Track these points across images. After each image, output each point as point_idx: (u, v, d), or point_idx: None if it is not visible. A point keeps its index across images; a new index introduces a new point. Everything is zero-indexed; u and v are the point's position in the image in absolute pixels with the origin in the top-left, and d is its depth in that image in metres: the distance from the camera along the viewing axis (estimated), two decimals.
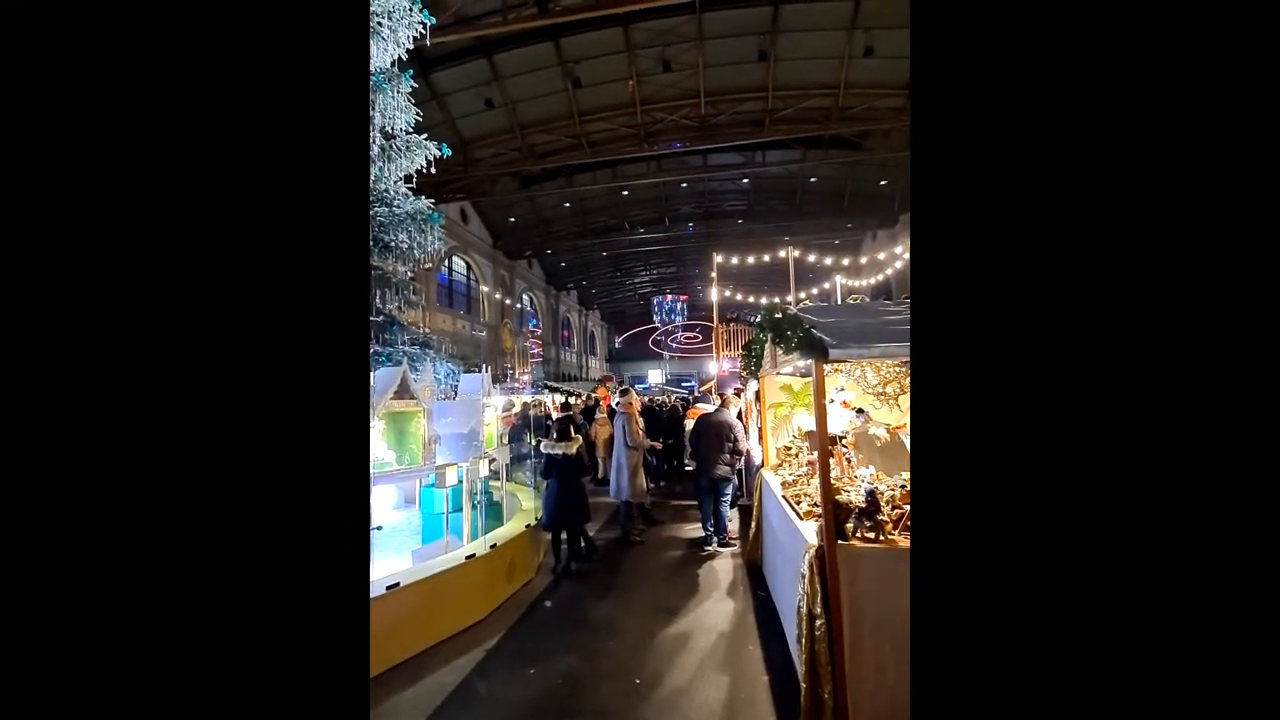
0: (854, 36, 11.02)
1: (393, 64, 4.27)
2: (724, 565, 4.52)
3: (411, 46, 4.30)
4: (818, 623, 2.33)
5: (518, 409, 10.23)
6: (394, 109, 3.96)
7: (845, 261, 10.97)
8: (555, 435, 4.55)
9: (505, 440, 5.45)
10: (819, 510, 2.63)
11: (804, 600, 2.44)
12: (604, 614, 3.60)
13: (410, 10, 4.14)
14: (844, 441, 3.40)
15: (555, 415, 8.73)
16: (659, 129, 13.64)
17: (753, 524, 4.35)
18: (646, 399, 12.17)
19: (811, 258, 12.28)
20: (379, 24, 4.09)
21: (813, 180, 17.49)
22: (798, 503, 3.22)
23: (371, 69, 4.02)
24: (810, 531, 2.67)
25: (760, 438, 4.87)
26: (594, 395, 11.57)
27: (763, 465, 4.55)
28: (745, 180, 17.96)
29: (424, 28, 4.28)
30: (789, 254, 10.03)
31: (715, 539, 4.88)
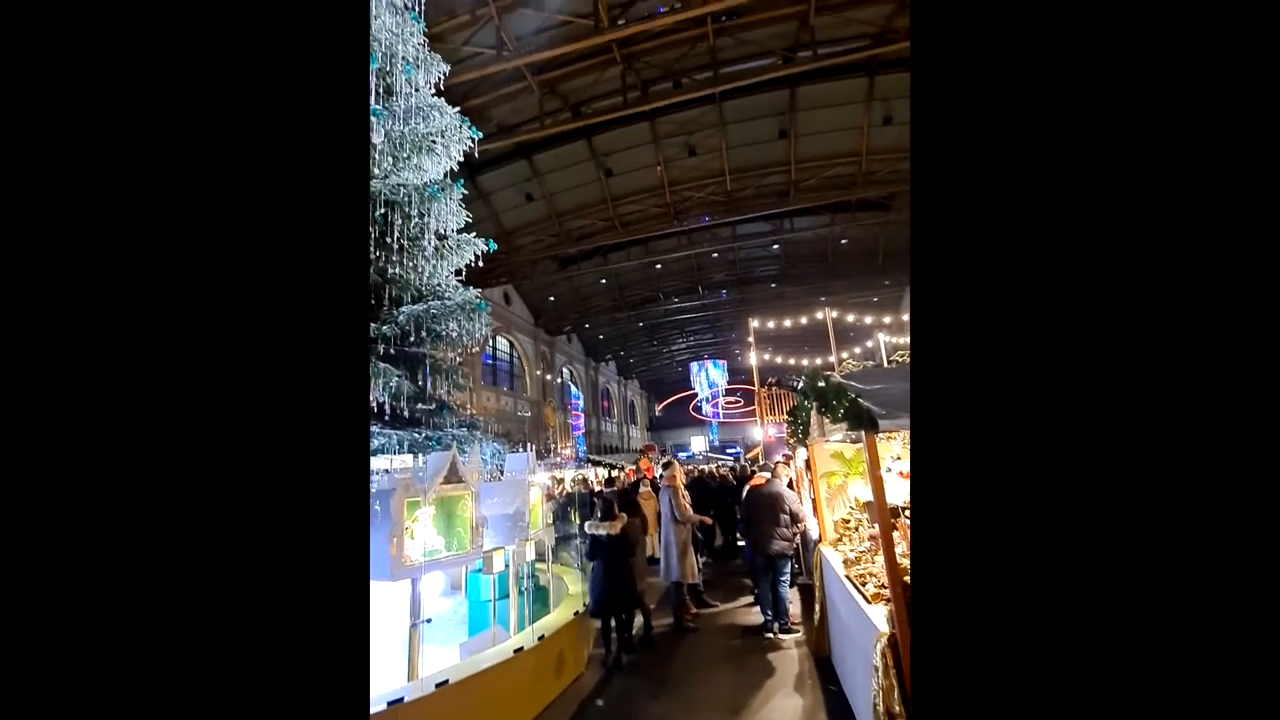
0: (872, 108, 11.52)
1: (445, 175, 4.75)
2: (787, 655, 4.16)
3: (462, 159, 4.81)
4: None
5: (565, 486, 10.15)
6: (447, 214, 4.37)
7: (887, 319, 10.78)
8: (600, 514, 4.46)
9: (550, 521, 5.38)
10: (888, 592, 2.43)
11: (879, 696, 2.20)
12: (660, 715, 3.33)
13: (460, 128, 4.67)
14: (907, 513, 3.18)
15: (599, 489, 8.60)
16: (687, 206, 14.35)
17: (816, 607, 4.03)
18: (690, 467, 11.87)
19: (850, 317, 12.16)
20: (434, 141, 4.61)
21: (843, 242, 17.68)
22: (863, 584, 2.98)
23: (427, 181, 4.47)
24: (880, 617, 2.46)
25: (815, 510, 4.62)
26: (639, 467, 11.39)
27: (820, 540, 4.28)
28: (775, 246, 18.33)
29: (473, 142, 4.79)
30: (826, 315, 9.98)
31: (776, 624, 4.53)
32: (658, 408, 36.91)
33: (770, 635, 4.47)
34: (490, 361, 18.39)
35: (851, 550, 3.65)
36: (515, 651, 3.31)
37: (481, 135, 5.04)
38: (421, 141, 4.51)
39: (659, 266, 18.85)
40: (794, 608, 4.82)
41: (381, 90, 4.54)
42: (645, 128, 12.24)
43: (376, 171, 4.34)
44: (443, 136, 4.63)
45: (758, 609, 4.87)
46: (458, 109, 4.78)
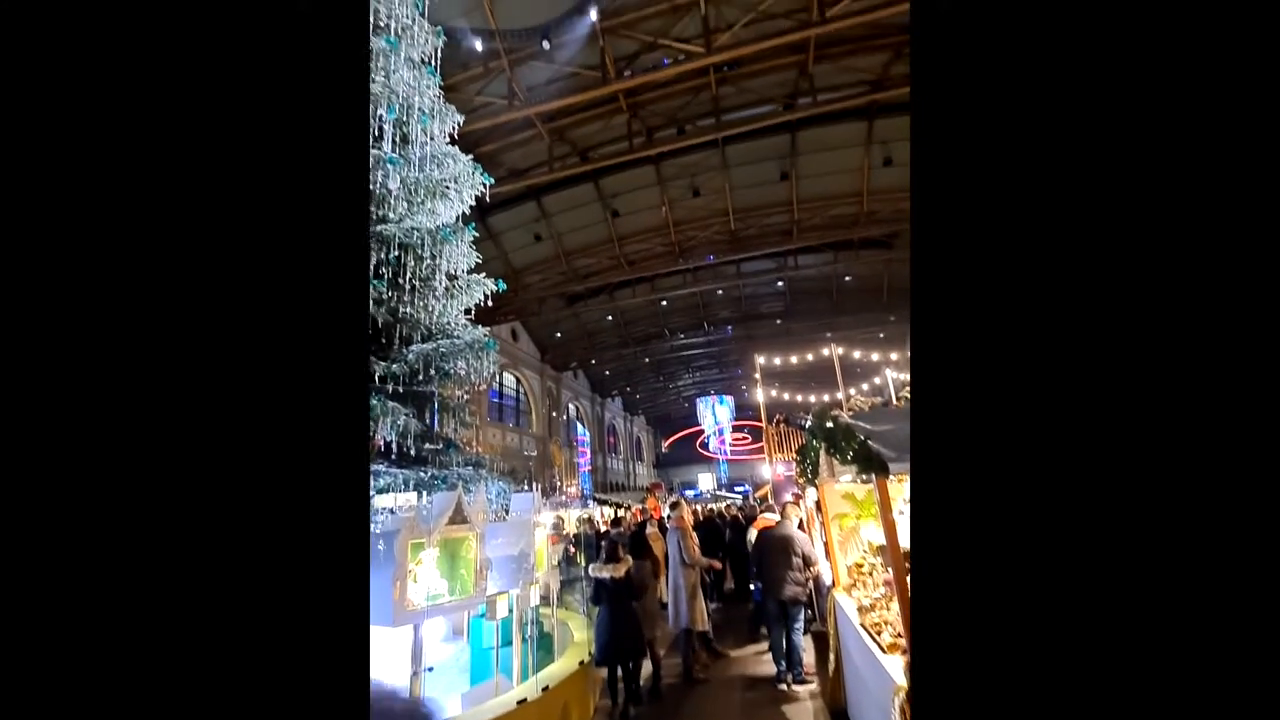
0: (871, 150, 11.84)
1: (457, 218, 4.91)
2: (802, 708, 3.96)
3: (473, 203, 4.97)
4: None
5: (571, 529, 9.94)
6: (458, 255, 4.49)
7: (894, 356, 10.75)
8: (604, 557, 4.35)
9: (555, 562, 5.25)
10: (904, 642, 2.34)
11: None
12: None
13: (472, 174, 4.85)
14: None
15: (605, 529, 8.42)
16: (692, 245, 14.61)
17: (830, 656, 3.86)
18: (698, 506, 11.63)
19: (857, 353, 12.12)
20: (447, 187, 4.78)
21: (848, 279, 17.83)
22: (879, 632, 2.87)
23: (440, 224, 4.62)
24: (897, 668, 2.35)
25: (827, 553, 4.49)
26: (645, 507, 11.17)
27: (834, 585, 4.14)
28: (780, 283, 18.51)
29: (484, 186, 4.97)
30: (833, 351, 9.96)
31: (789, 675, 4.33)
32: (664, 444, 36.51)
33: (784, 686, 4.28)
34: (497, 398, 18.40)
35: (866, 597, 3.52)
36: (519, 703, 3.18)
37: (493, 180, 5.22)
38: (435, 187, 4.68)
39: (664, 303, 19.03)
40: (808, 656, 4.63)
41: (398, 139, 4.75)
42: (650, 170, 12.63)
43: (391, 216, 4.48)
44: (456, 182, 4.81)
45: (769, 657, 4.67)
46: (470, 155, 4.98)
